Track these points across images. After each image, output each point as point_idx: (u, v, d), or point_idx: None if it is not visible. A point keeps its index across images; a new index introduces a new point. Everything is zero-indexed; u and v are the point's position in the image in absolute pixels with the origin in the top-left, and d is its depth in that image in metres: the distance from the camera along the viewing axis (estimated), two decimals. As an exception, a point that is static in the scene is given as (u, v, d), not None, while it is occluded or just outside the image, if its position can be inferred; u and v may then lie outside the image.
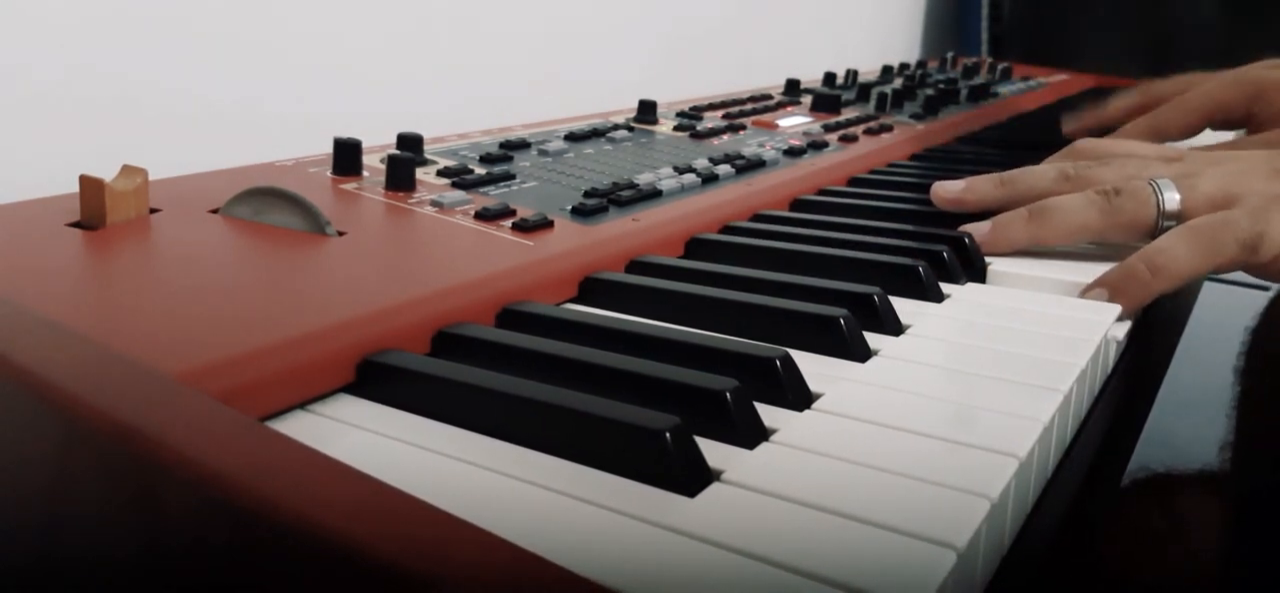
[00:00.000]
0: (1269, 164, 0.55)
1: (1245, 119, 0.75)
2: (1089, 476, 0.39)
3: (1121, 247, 0.54)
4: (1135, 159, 0.60)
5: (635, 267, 0.50)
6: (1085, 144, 0.67)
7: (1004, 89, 1.18)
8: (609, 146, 0.68)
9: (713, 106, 0.86)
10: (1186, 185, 0.54)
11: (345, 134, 0.56)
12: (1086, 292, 0.50)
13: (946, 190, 0.61)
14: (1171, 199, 0.54)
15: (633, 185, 0.56)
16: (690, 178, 0.60)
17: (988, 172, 0.62)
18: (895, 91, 0.96)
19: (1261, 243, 0.51)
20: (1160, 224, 0.54)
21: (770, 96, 0.94)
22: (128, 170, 0.44)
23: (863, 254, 0.52)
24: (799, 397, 0.36)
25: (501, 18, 0.94)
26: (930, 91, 1.01)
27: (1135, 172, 0.57)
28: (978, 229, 0.57)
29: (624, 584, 0.25)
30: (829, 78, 1.06)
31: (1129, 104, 0.85)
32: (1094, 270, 0.52)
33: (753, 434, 0.33)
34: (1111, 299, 0.50)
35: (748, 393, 0.34)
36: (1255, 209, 0.52)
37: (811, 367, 0.38)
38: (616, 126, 0.73)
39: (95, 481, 0.27)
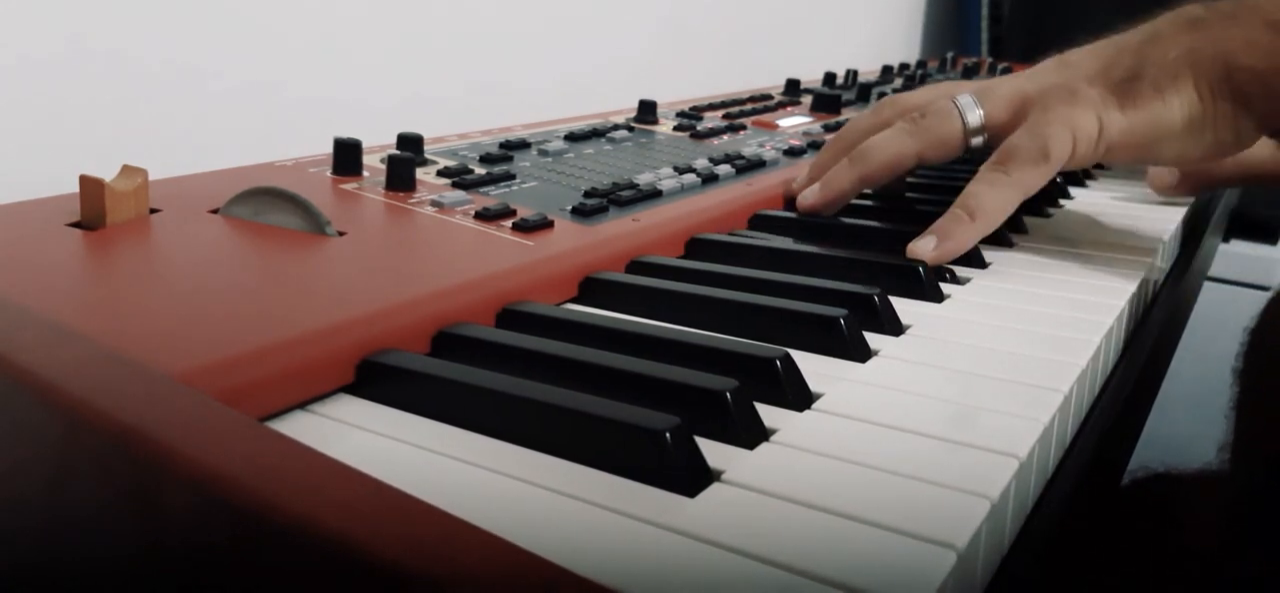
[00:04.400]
0: (1057, 59, 0.57)
1: None
2: (1089, 475, 0.39)
3: (1115, 247, 0.54)
4: (944, 85, 0.63)
5: (635, 267, 0.50)
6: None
7: (1004, 89, 1.18)
8: (609, 146, 0.68)
9: (713, 106, 0.86)
10: (984, 95, 0.56)
11: (344, 133, 0.56)
12: (916, 242, 0.51)
13: (808, 198, 0.59)
14: (974, 114, 0.56)
15: (633, 185, 0.56)
16: (690, 178, 0.60)
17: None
18: (895, 92, 0.96)
19: (1049, 151, 0.52)
20: (969, 140, 0.56)
21: (770, 96, 0.94)
22: (128, 170, 0.44)
23: (863, 254, 0.52)
24: (799, 397, 0.36)
25: (504, 16, 0.94)
26: (930, 91, 1.01)
27: (942, 93, 0.59)
28: (810, 194, 0.59)
29: (624, 584, 0.25)
30: (829, 78, 1.06)
31: None
32: (1095, 273, 0.52)
33: (753, 434, 0.33)
34: (941, 244, 0.51)
35: (748, 393, 0.34)
36: (1034, 124, 0.53)
37: (811, 367, 0.38)
38: (616, 127, 0.73)
39: (95, 481, 0.27)
